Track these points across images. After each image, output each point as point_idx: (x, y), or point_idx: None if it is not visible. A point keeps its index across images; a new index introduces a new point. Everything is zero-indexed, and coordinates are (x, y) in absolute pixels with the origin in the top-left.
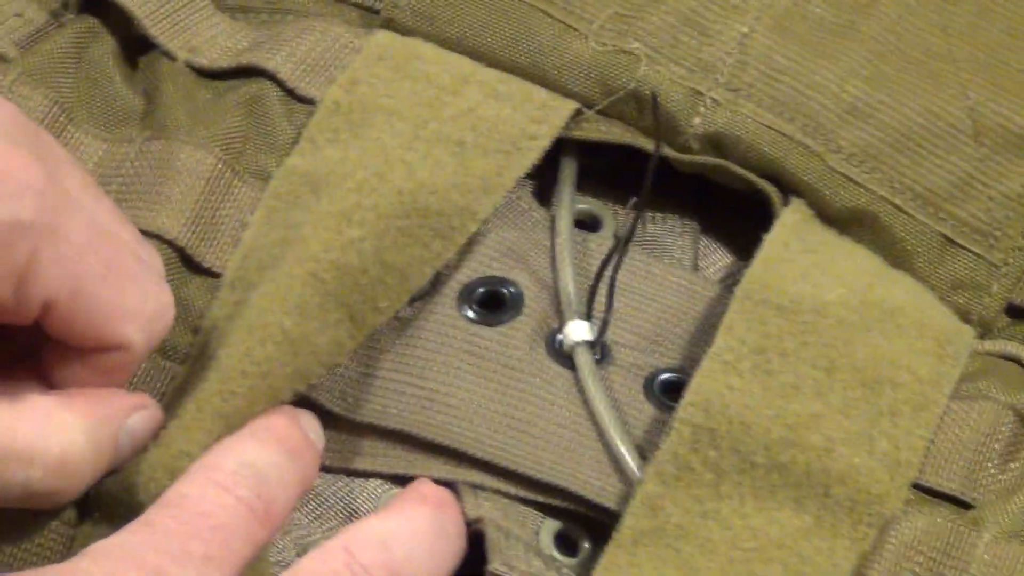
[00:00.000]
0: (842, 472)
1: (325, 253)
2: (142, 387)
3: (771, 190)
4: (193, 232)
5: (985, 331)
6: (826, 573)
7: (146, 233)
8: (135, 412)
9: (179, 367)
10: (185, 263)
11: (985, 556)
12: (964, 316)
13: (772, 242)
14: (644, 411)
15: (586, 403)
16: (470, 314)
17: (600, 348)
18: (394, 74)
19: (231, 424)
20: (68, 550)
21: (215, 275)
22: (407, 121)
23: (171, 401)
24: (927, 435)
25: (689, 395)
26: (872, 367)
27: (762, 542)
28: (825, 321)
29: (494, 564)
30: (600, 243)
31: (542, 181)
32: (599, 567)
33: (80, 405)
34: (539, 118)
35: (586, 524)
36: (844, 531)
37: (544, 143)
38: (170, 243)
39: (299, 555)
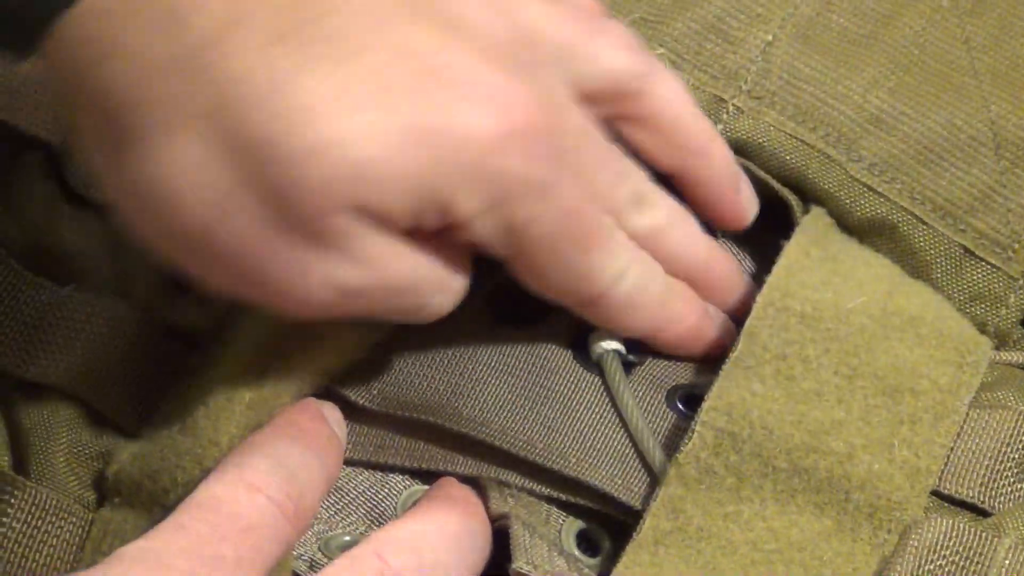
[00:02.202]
0: (862, 478)
1: None
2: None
3: (792, 197)
4: None
5: (1001, 342)
6: (846, 574)
7: None
8: None
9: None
10: None
11: (1006, 561)
12: (981, 327)
13: (793, 249)
14: (667, 420)
15: (613, 407)
16: (498, 314)
17: (625, 360)
18: None
19: (260, 415)
20: (86, 534)
21: None
22: None
23: (197, 387)
24: (947, 443)
25: (711, 399)
26: (893, 375)
27: (783, 544)
28: (846, 329)
29: (519, 563)
30: None
31: None
32: (620, 565)
33: None
34: None
35: (607, 525)
36: (864, 536)
37: None
38: None
39: (321, 549)
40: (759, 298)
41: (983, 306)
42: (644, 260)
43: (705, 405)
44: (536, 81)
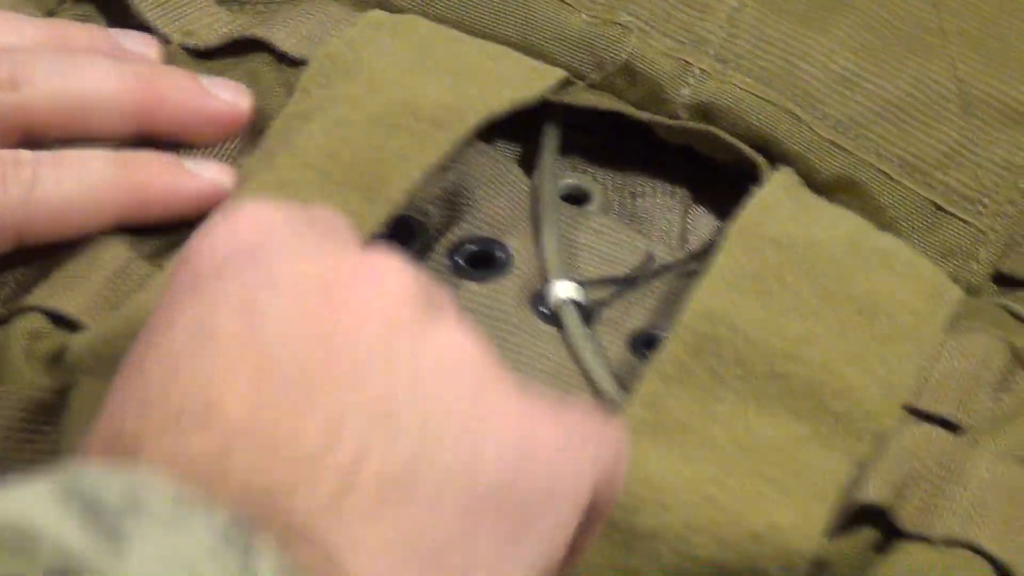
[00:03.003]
0: (839, 388)
1: (310, 141)
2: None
3: (759, 158)
4: None
5: (974, 297)
6: (822, 480)
7: None
8: None
9: None
10: None
11: (985, 474)
12: (952, 282)
13: (763, 192)
14: (629, 365)
15: (573, 356)
16: (459, 269)
17: (584, 310)
18: (388, 35)
19: None
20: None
21: None
22: (400, 59)
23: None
24: (920, 361)
25: (692, 304)
26: (868, 298)
27: (761, 444)
28: (820, 256)
29: None
30: (587, 216)
31: (532, 164)
32: None
33: None
34: (530, 76)
35: None
36: (839, 443)
37: (541, 86)
38: None
39: None
40: (733, 225)
41: (954, 262)
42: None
43: (685, 310)
44: None
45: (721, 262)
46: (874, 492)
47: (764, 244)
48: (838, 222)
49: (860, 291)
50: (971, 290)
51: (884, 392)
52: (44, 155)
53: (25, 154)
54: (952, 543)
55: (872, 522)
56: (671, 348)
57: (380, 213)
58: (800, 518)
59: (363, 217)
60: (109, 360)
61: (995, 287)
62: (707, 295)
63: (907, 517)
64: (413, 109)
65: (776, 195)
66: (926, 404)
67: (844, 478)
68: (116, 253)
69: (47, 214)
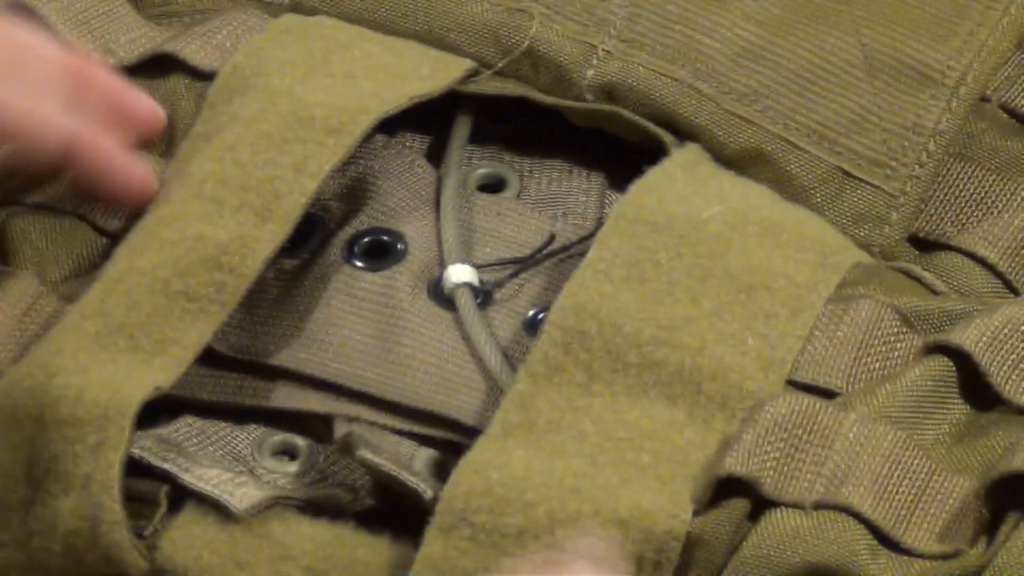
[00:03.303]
0: (714, 370)
1: (202, 169)
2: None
3: (664, 135)
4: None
5: (888, 261)
6: (696, 462)
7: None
8: None
9: None
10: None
11: (850, 435)
12: (866, 248)
13: (653, 172)
14: (525, 344)
15: (467, 340)
16: (355, 262)
17: (480, 294)
18: (293, 38)
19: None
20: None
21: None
22: (299, 67)
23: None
24: (803, 335)
25: (560, 300)
26: (747, 274)
27: (633, 433)
28: (700, 235)
29: (361, 452)
30: (494, 202)
31: (440, 150)
32: (468, 455)
33: None
34: (434, 69)
35: (460, 455)
36: (717, 425)
37: (439, 83)
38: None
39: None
40: (612, 211)
41: (866, 227)
42: None
43: (554, 306)
44: None
45: (593, 252)
46: (733, 464)
47: (641, 227)
48: (733, 196)
49: (740, 267)
50: (885, 254)
51: (762, 369)
52: None
53: None
54: (822, 506)
55: (742, 494)
56: (541, 345)
57: (278, 231)
58: (667, 499)
59: (261, 238)
60: None
61: (913, 251)
62: (576, 287)
63: (772, 484)
64: (306, 119)
65: (669, 173)
66: (807, 375)
67: (717, 456)
68: (26, 287)
69: None
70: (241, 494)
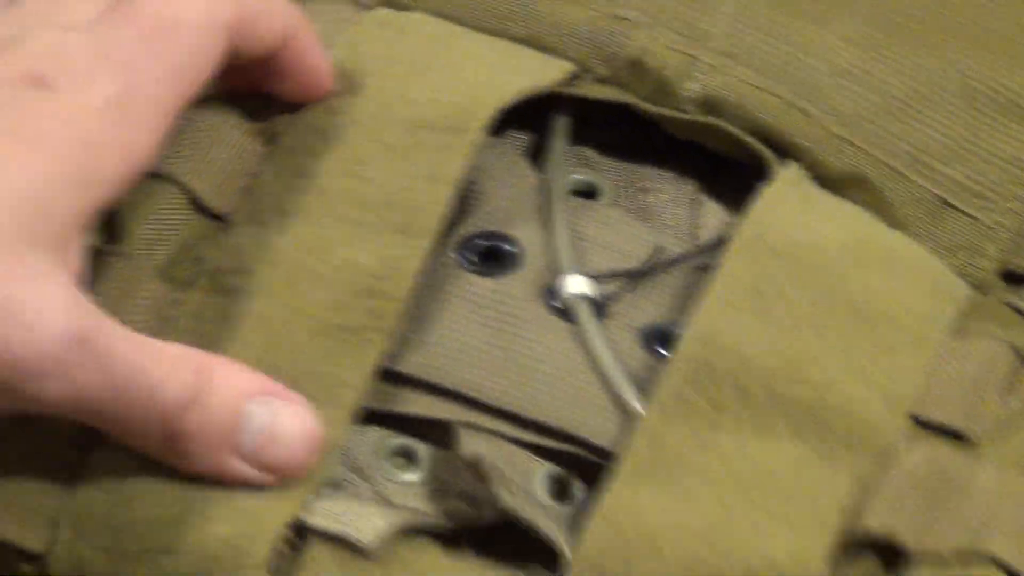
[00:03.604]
0: (840, 405)
1: (335, 186)
2: (145, 312)
3: (766, 152)
4: (202, 178)
5: (981, 294)
6: (824, 501)
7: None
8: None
9: (182, 295)
10: (192, 204)
11: (987, 485)
12: (960, 278)
13: (768, 192)
14: (642, 361)
15: (586, 352)
16: (469, 265)
17: (596, 304)
18: (395, 34)
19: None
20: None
21: (220, 218)
22: (404, 64)
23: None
24: (924, 369)
25: (689, 331)
26: (869, 305)
27: (761, 472)
28: (821, 261)
29: (505, 499)
30: (595, 209)
31: (540, 157)
32: (604, 500)
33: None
34: (540, 67)
35: (579, 471)
36: (843, 462)
37: (546, 80)
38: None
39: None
40: (735, 236)
41: (961, 257)
42: None
43: (683, 337)
44: None
45: (719, 279)
46: (873, 519)
47: (765, 254)
48: (843, 222)
49: (862, 297)
50: (979, 286)
51: (887, 405)
52: None
53: None
54: (965, 556)
55: (879, 545)
56: (669, 378)
57: (423, 245)
58: (800, 549)
59: (408, 256)
60: None
61: (1003, 284)
62: (704, 318)
63: (915, 535)
64: (425, 122)
65: (781, 194)
66: (930, 412)
67: (849, 500)
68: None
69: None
70: (367, 527)
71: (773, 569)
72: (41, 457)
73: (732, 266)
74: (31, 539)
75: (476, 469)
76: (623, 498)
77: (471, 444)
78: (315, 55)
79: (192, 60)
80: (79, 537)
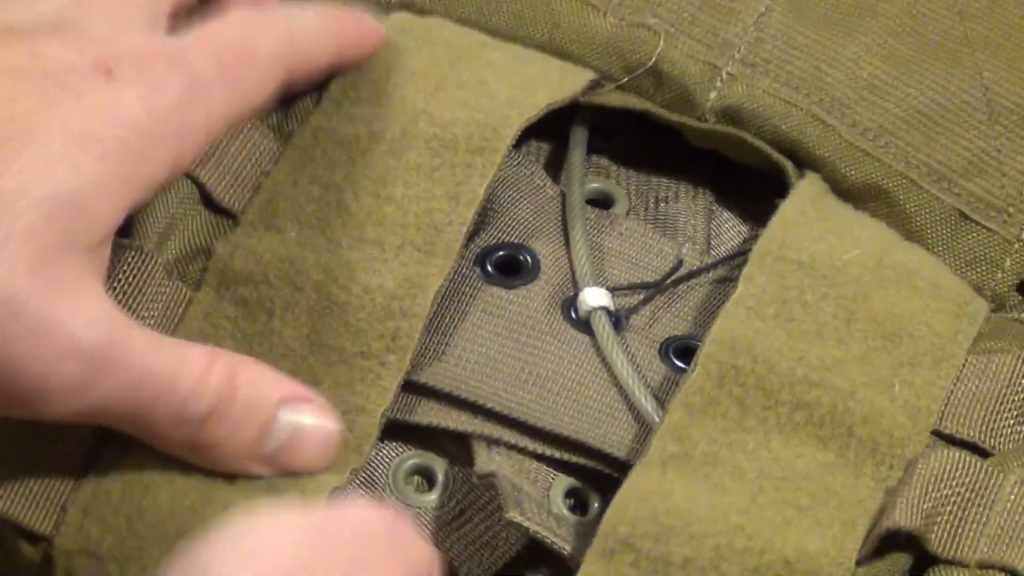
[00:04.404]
0: (865, 414)
1: (357, 206)
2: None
3: (786, 163)
4: (214, 171)
5: (998, 307)
6: (851, 507)
7: None
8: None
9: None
10: (203, 199)
11: (1012, 496)
12: (977, 291)
13: (788, 207)
14: (661, 373)
15: (604, 364)
16: (488, 276)
17: (614, 316)
18: (415, 42)
19: None
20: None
21: (230, 214)
22: (429, 78)
23: None
24: (946, 384)
25: (714, 333)
26: (891, 320)
27: (789, 473)
28: (843, 277)
29: (511, 513)
30: (614, 220)
31: (557, 164)
32: (627, 483)
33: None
34: (562, 77)
35: (598, 485)
36: (867, 470)
37: (568, 91)
38: (192, 179)
39: None
40: (756, 247)
41: (979, 270)
42: None
43: (707, 339)
44: None
45: (743, 287)
46: (903, 518)
47: (786, 266)
48: (863, 236)
49: (883, 313)
50: (996, 300)
51: (910, 417)
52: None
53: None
54: (986, 566)
55: (903, 548)
56: (696, 378)
57: (444, 264)
58: (831, 545)
59: (428, 274)
60: None
61: (1021, 296)
62: (730, 323)
63: (938, 542)
64: (450, 141)
65: (801, 209)
66: (952, 427)
67: (873, 504)
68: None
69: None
70: None
71: (807, 560)
72: (57, 443)
73: (755, 275)
74: (39, 521)
75: (489, 484)
76: (651, 480)
77: (487, 457)
78: (361, 32)
79: (256, 88)
80: (89, 518)
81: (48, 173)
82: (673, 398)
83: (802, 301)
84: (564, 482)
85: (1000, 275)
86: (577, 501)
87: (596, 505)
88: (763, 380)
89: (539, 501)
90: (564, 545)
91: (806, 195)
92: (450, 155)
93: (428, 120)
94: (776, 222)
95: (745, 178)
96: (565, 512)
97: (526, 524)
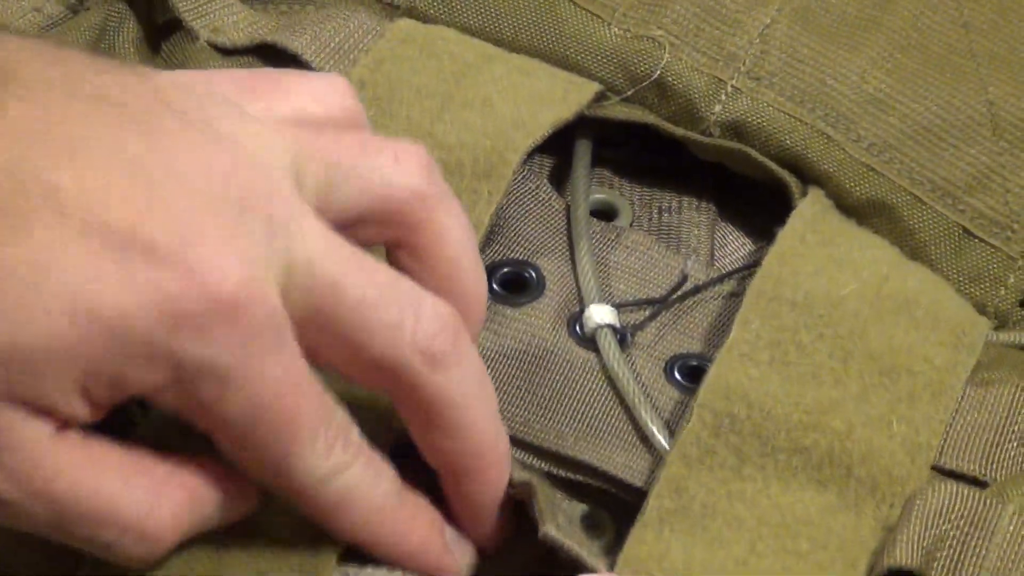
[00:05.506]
0: (863, 454)
1: None
2: None
3: (790, 179)
4: None
5: (1001, 323)
6: (852, 547)
7: None
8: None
9: None
10: None
11: (1011, 527)
12: (980, 308)
13: (787, 236)
14: (666, 393)
15: (610, 384)
16: (494, 295)
17: (620, 334)
18: (419, 54)
19: None
20: None
21: None
22: (434, 97)
23: None
24: (945, 419)
25: (708, 382)
26: (888, 356)
27: (789, 519)
28: (840, 314)
29: (547, 527)
30: (619, 233)
31: (560, 176)
32: (626, 546)
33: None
34: (567, 91)
35: (610, 507)
36: (868, 511)
37: (573, 106)
38: None
39: None
40: (750, 287)
41: (982, 287)
42: (370, 461)
43: (702, 388)
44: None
45: (737, 331)
46: (904, 556)
47: (781, 306)
48: (863, 261)
49: (881, 348)
50: (999, 316)
51: (909, 454)
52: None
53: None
54: None
55: None
56: (692, 428)
57: None
58: None
59: None
60: None
61: (1022, 313)
62: (723, 370)
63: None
64: (455, 166)
65: (801, 235)
66: (951, 461)
67: (874, 543)
68: None
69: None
70: None
71: None
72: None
73: (749, 318)
74: None
75: (524, 493)
76: (648, 543)
77: (520, 473)
78: (451, 245)
79: None
80: None
81: None
82: (670, 450)
83: (797, 343)
84: (579, 508)
85: (1003, 292)
86: (591, 525)
87: (610, 528)
88: (759, 427)
89: (571, 516)
90: (596, 563)
91: (807, 216)
92: (456, 180)
93: (433, 143)
94: (773, 255)
95: (749, 189)
96: (580, 534)
97: (561, 540)
